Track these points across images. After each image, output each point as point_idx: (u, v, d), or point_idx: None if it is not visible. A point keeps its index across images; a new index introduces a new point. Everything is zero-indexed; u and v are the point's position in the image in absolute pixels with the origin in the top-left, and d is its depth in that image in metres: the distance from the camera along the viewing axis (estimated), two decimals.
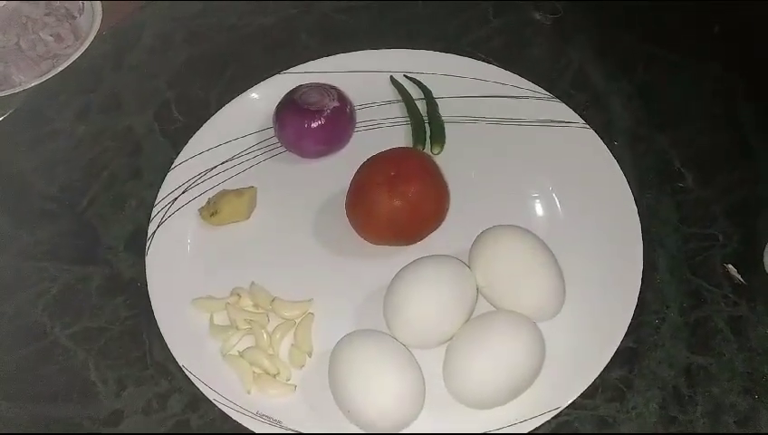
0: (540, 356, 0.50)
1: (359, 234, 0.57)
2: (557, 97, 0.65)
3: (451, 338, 0.51)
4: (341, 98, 0.62)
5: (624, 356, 0.52)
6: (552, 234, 0.57)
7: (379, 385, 0.48)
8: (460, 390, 0.50)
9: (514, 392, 0.49)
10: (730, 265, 0.57)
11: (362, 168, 0.57)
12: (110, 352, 0.55)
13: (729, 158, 0.63)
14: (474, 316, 0.53)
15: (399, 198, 0.54)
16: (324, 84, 0.63)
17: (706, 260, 0.57)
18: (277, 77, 0.67)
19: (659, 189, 0.61)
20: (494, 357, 0.49)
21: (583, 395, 0.51)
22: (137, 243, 0.59)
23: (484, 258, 0.53)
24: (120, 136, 0.66)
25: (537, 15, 0.73)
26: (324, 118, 0.61)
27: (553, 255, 0.53)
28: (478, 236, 0.54)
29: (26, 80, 0.67)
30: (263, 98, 0.66)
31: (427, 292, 0.51)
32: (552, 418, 0.50)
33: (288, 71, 0.67)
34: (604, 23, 0.72)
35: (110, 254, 0.59)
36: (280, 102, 0.62)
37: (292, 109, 0.61)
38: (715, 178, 0.61)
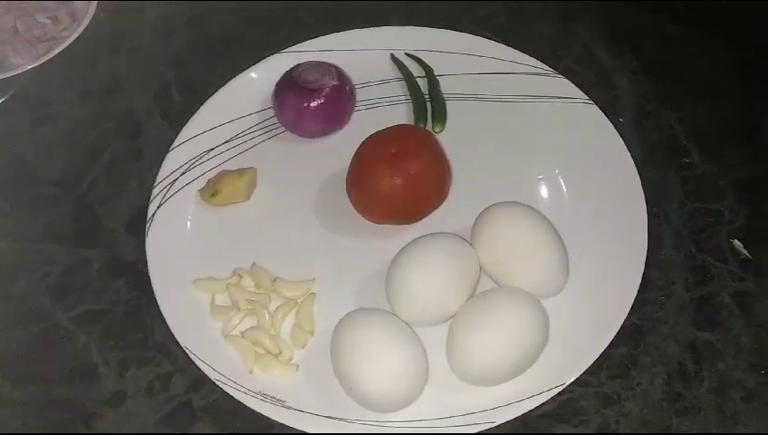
0: (543, 333, 0.49)
1: (360, 213, 0.57)
2: (561, 74, 0.64)
3: (454, 316, 0.51)
4: (341, 76, 0.61)
5: (629, 333, 0.52)
6: (555, 209, 0.56)
7: (381, 364, 0.48)
8: (463, 367, 0.49)
9: (518, 370, 0.49)
10: (736, 241, 0.56)
11: (363, 146, 0.56)
12: (112, 333, 0.55)
13: (735, 133, 0.62)
14: (476, 294, 0.52)
15: (400, 176, 0.54)
16: (324, 63, 0.62)
17: (712, 236, 0.57)
18: (277, 56, 0.66)
19: (665, 165, 0.60)
20: (497, 334, 0.48)
21: (587, 372, 0.50)
22: (137, 225, 0.58)
23: (486, 235, 0.53)
24: (120, 118, 0.66)
25: None
26: (323, 97, 0.60)
27: (557, 231, 0.53)
28: (481, 213, 0.54)
29: (23, 63, 0.66)
30: (262, 77, 0.65)
31: (430, 270, 0.51)
32: (556, 395, 0.49)
33: (287, 50, 0.66)
34: None
35: (111, 236, 0.59)
36: (278, 82, 0.62)
37: (290, 88, 0.60)
38: (722, 154, 0.61)
